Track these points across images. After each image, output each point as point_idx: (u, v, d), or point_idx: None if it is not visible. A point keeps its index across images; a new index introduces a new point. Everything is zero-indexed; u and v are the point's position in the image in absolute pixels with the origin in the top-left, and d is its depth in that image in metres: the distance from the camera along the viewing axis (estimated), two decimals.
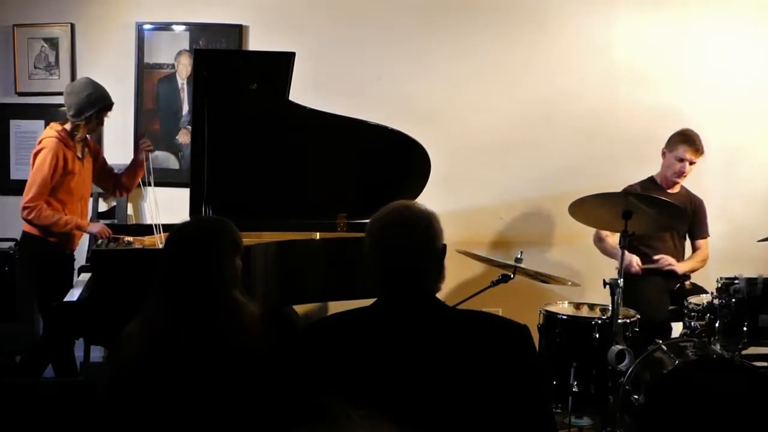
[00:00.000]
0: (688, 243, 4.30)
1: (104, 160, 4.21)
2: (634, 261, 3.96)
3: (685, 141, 4.07)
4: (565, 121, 4.74)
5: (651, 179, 4.22)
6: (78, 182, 3.92)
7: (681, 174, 4.11)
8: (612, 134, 4.68)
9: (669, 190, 4.16)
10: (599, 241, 4.23)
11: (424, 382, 1.69)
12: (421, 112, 4.67)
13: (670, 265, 4.03)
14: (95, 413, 2.44)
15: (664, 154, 4.16)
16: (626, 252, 3.64)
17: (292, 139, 3.83)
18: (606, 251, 4.22)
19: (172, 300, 2.17)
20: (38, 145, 3.86)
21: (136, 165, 4.16)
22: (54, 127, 3.89)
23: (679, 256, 4.22)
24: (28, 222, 3.82)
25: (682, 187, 4.22)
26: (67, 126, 3.89)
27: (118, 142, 4.72)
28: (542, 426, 1.75)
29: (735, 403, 3.08)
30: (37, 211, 3.76)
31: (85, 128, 3.89)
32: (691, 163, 4.09)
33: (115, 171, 4.27)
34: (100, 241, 3.87)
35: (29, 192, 3.78)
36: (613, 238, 4.16)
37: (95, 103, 3.85)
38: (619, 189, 4.05)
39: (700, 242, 4.27)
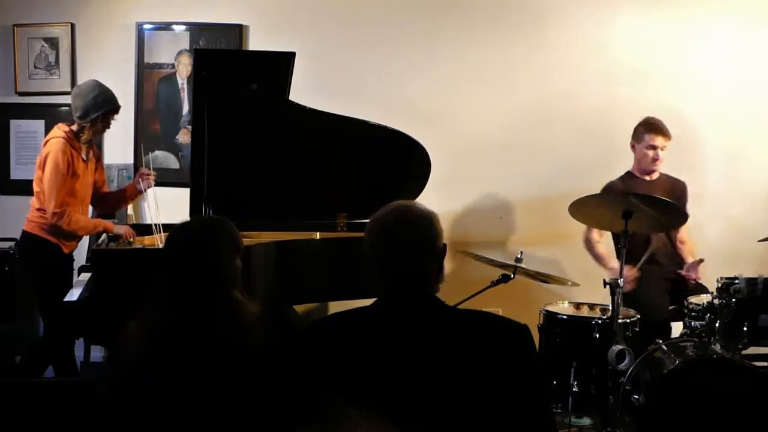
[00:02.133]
0: None
1: (102, 170, 4.19)
2: (631, 276, 3.89)
3: (650, 129, 4.10)
4: (565, 121, 4.74)
5: (629, 173, 4.21)
6: (81, 185, 3.92)
7: (655, 161, 4.11)
8: (612, 134, 4.67)
9: (648, 177, 4.16)
10: (588, 244, 4.20)
11: (424, 381, 1.69)
12: (421, 112, 4.66)
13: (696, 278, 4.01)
14: (95, 413, 2.44)
15: (633, 147, 4.18)
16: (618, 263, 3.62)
17: (292, 139, 3.83)
18: (595, 256, 4.19)
19: (172, 300, 2.17)
20: (46, 146, 3.85)
21: (131, 194, 4.15)
22: (61, 128, 3.89)
23: (672, 257, 4.20)
24: (57, 227, 3.80)
25: (661, 173, 4.21)
26: (74, 127, 3.89)
27: (118, 142, 4.71)
28: (542, 426, 1.75)
29: (735, 403, 3.08)
30: (67, 216, 3.76)
31: (90, 130, 3.88)
32: (662, 148, 4.10)
33: (108, 188, 4.27)
34: (100, 240, 3.87)
35: (52, 197, 3.75)
36: (602, 246, 4.16)
37: (101, 106, 3.84)
38: None
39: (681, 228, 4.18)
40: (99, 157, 4.17)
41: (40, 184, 3.83)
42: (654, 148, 4.09)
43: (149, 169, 4.07)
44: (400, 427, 1.25)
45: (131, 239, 3.82)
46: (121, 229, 3.87)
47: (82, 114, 3.83)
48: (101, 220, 3.95)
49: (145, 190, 4.03)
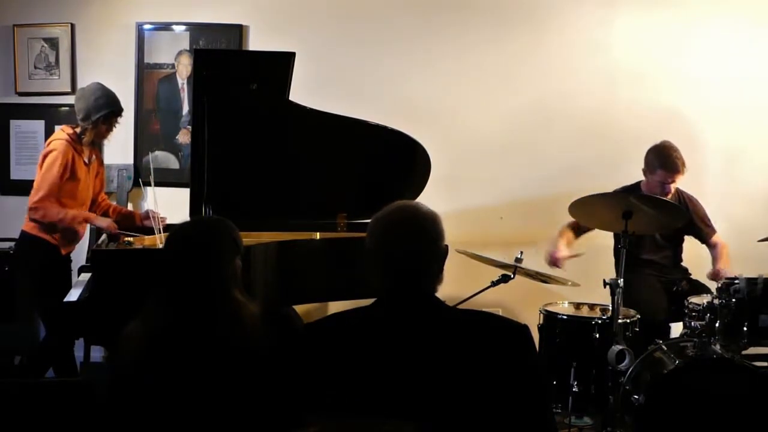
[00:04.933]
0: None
1: (102, 176, 4.18)
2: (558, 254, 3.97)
3: (662, 165, 3.91)
4: (565, 121, 4.74)
5: (638, 188, 4.08)
6: (83, 188, 3.91)
7: (667, 194, 3.94)
8: (612, 134, 4.68)
9: None
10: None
11: (424, 381, 1.69)
12: (422, 112, 4.67)
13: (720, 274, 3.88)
14: (95, 413, 2.44)
15: (644, 173, 4.02)
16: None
17: (292, 139, 3.83)
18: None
19: (172, 300, 2.17)
20: (47, 147, 3.85)
21: (132, 222, 4.13)
22: (65, 130, 3.89)
23: (677, 260, 4.21)
24: (36, 221, 3.80)
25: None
26: (77, 130, 3.88)
27: (118, 142, 4.69)
28: (542, 426, 1.75)
29: (735, 403, 3.08)
30: (43, 210, 3.76)
31: (92, 132, 3.86)
32: (675, 182, 3.95)
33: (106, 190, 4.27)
34: (100, 240, 3.86)
35: (38, 193, 3.77)
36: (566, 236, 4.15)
37: (102, 108, 3.84)
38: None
39: (714, 239, 4.13)
40: (102, 162, 4.16)
41: None
42: (665, 184, 3.92)
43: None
44: (400, 427, 1.25)
45: (113, 231, 3.79)
46: (103, 222, 3.84)
47: (84, 116, 3.84)
48: (81, 211, 3.88)
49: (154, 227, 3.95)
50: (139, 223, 4.10)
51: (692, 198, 4.18)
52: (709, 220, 4.18)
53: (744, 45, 4.70)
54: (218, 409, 2.08)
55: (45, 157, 3.82)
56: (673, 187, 3.98)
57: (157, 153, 4.67)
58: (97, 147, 4.06)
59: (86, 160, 3.93)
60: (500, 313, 1.85)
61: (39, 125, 4.78)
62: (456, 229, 4.62)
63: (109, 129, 3.94)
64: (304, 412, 1.70)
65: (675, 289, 4.02)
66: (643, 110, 4.66)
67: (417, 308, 1.78)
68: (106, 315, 3.16)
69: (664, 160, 3.93)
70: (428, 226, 1.81)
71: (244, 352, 2.12)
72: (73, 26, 4.78)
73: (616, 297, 3.45)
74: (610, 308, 3.51)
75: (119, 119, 3.97)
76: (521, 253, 3.80)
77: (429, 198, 3.51)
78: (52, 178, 3.77)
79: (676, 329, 3.97)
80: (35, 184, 3.83)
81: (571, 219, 3.91)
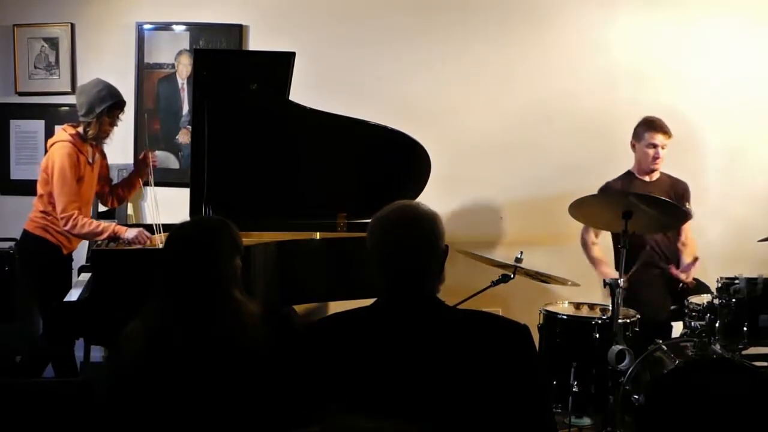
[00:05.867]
0: None
1: (108, 173, 4.17)
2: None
3: (651, 127, 4.10)
4: (565, 121, 4.74)
5: (629, 173, 4.22)
6: (86, 188, 3.89)
7: (656, 160, 4.11)
8: (612, 134, 4.67)
9: (648, 178, 4.17)
10: (585, 245, 4.26)
11: (424, 381, 1.69)
12: (421, 112, 4.66)
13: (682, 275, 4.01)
14: (95, 413, 2.45)
15: (633, 146, 4.19)
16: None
17: (292, 138, 3.83)
18: (589, 258, 4.25)
19: (172, 300, 2.17)
20: (51, 149, 3.80)
21: (137, 172, 4.14)
22: (67, 130, 3.83)
23: (671, 257, 4.22)
24: (70, 234, 3.78)
25: (662, 173, 4.21)
26: (80, 129, 3.84)
27: (118, 142, 4.67)
28: (542, 426, 1.75)
29: (735, 403, 3.08)
30: (73, 220, 3.69)
31: (96, 126, 3.80)
32: (663, 147, 4.10)
33: (113, 181, 4.26)
34: (100, 240, 3.85)
35: (59, 202, 3.71)
36: (598, 249, 4.21)
37: (106, 99, 3.79)
38: None
39: (685, 227, 4.19)
40: (104, 155, 4.12)
41: (45, 187, 3.80)
42: (654, 146, 4.09)
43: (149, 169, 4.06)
44: (401, 427, 1.25)
45: (146, 244, 3.68)
46: (131, 233, 3.68)
47: (88, 110, 3.78)
48: (109, 224, 3.82)
49: (150, 164, 4.01)
50: (141, 172, 4.11)
51: (686, 185, 4.23)
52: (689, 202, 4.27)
53: (744, 45, 4.70)
54: (218, 409, 2.08)
55: (51, 165, 3.75)
56: (662, 152, 4.09)
57: (157, 153, 4.67)
58: (99, 146, 4.04)
59: (90, 160, 3.90)
60: (500, 313, 1.85)
61: (39, 125, 4.78)
62: (456, 229, 4.69)
63: (113, 123, 3.88)
64: (305, 412, 1.70)
65: (681, 286, 4.02)
66: (643, 110, 4.64)
67: (417, 308, 1.78)
68: (106, 315, 3.16)
69: (651, 124, 4.12)
70: (428, 226, 1.81)
71: (244, 352, 2.12)
72: (73, 26, 4.78)
73: (616, 297, 3.45)
74: (610, 308, 3.51)
75: (122, 114, 3.93)
76: (521, 253, 3.80)
77: (429, 198, 3.50)
78: (68, 184, 3.71)
79: (676, 329, 3.97)
80: (45, 190, 3.78)
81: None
